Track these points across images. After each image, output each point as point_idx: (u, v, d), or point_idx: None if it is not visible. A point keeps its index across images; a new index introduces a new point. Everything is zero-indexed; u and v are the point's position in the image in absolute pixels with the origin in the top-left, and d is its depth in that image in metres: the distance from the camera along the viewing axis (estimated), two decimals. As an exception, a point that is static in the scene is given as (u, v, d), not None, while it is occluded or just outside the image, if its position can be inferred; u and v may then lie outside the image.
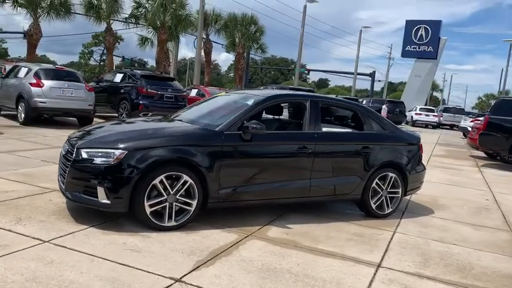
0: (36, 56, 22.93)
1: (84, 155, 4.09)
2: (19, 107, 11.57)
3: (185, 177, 4.19)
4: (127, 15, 23.69)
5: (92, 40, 70.95)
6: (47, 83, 11.44)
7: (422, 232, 5.06)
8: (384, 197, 5.45)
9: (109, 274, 3.15)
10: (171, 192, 4.15)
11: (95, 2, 22.31)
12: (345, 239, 4.53)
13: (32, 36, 19.48)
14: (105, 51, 30.87)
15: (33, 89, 11.26)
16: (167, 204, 4.16)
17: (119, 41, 34.10)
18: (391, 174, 5.45)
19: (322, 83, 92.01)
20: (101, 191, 3.99)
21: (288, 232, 4.55)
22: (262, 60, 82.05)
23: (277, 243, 4.19)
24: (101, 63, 73.70)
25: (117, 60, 54.30)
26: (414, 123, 33.11)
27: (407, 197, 6.71)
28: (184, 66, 68.88)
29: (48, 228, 3.95)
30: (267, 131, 4.83)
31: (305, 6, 32.62)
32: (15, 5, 19.09)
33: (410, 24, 43.08)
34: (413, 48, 42.64)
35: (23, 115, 11.38)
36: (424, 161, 6.20)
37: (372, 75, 53.20)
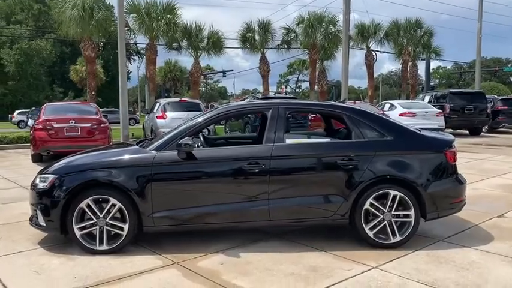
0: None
1: (37, 181, 4.45)
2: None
3: (113, 201, 4.14)
4: (279, 43, 24.76)
5: (287, 70, 76.56)
6: (170, 115, 12.85)
7: (418, 270, 3.75)
8: (386, 222, 4.26)
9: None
10: (100, 216, 4.15)
11: (248, 35, 24.07)
12: (287, 274, 3.71)
13: (194, 74, 22.19)
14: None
15: (158, 121, 12.80)
16: (97, 227, 4.17)
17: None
18: (393, 192, 4.24)
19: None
20: (39, 214, 4.28)
21: (227, 262, 3.98)
22: (469, 64, 73.97)
23: (191, 274, 3.72)
24: (296, 89, 78.63)
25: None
26: None
27: (474, 221, 5.14)
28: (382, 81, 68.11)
29: (7, 247, 4.43)
30: (210, 148, 4.46)
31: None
32: (179, 50, 22.18)
33: None
34: None
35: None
36: None
37: None
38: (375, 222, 4.27)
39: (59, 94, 58.64)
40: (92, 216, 4.15)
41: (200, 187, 4.23)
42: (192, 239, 4.53)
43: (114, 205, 4.14)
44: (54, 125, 10.29)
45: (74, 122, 10.45)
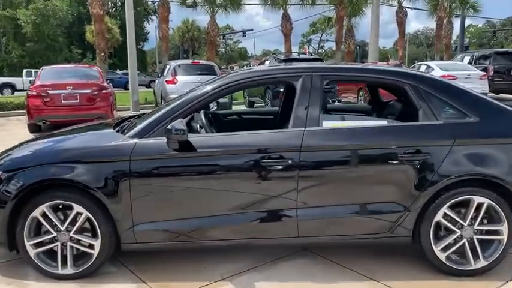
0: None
1: (-18, 176, 3.26)
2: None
3: (77, 208, 2.95)
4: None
5: (310, 29, 73.49)
6: (181, 79, 11.53)
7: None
8: (465, 240, 2.97)
9: None
10: (62, 229, 2.98)
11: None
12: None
13: (210, 33, 20.55)
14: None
15: (168, 86, 11.53)
16: (58, 244, 3.01)
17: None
18: (479, 199, 2.92)
19: None
20: (-19, 224, 3.13)
21: (236, 298, 2.79)
22: (503, 22, 69.10)
23: (183, 323, 2.54)
24: (319, 50, 75.69)
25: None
26: None
27: None
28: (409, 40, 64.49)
29: None
30: (213, 134, 3.22)
31: None
32: (194, 6, 20.50)
33: None
34: None
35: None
36: None
37: None
38: (449, 241, 2.98)
39: (77, 56, 57.61)
40: (50, 229, 2.99)
41: (199, 190, 2.97)
42: (190, 258, 3.33)
43: (79, 214, 2.96)
44: (50, 92, 9.10)
45: (71, 87, 9.25)
